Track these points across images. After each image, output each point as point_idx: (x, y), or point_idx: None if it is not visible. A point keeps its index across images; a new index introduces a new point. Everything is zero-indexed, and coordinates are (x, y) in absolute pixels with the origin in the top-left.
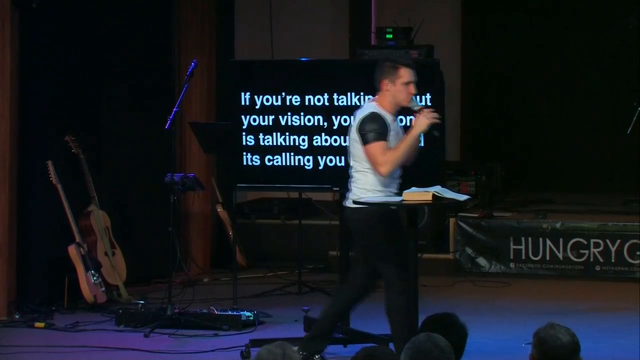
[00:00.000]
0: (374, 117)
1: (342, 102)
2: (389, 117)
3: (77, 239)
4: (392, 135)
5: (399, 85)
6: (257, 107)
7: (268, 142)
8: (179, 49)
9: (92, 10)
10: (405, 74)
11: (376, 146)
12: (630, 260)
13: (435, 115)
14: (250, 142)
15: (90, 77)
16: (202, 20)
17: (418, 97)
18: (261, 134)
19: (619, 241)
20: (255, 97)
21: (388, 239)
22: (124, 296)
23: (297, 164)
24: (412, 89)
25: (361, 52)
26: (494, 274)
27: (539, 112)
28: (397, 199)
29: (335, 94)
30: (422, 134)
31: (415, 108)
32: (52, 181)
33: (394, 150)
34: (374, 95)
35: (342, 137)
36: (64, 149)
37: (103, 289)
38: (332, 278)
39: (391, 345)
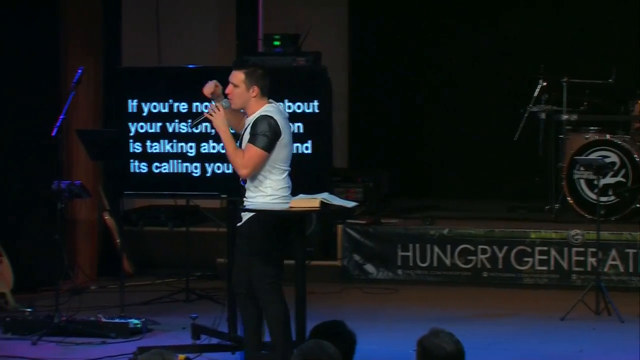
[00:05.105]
0: None
1: None
2: None
3: None
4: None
5: None
6: (144, 114)
7: (155, 149)
8: (65, 54)
9: None
10: None
11: None
12: (517, 267)
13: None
14: (138, 149)
15: None
16: (88, 26)
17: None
18: (148, 141)
19: (506, 247)
20: (142, 104)
21: None
22: (11, 304)
23: (184, 171)
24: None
25: (248, 59)
26: (381, 281)
27: (426, 119)
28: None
29: None
30: None
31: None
32: None
33: None
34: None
35: None
36: None
37: None
38: (220, 285)
39: None
